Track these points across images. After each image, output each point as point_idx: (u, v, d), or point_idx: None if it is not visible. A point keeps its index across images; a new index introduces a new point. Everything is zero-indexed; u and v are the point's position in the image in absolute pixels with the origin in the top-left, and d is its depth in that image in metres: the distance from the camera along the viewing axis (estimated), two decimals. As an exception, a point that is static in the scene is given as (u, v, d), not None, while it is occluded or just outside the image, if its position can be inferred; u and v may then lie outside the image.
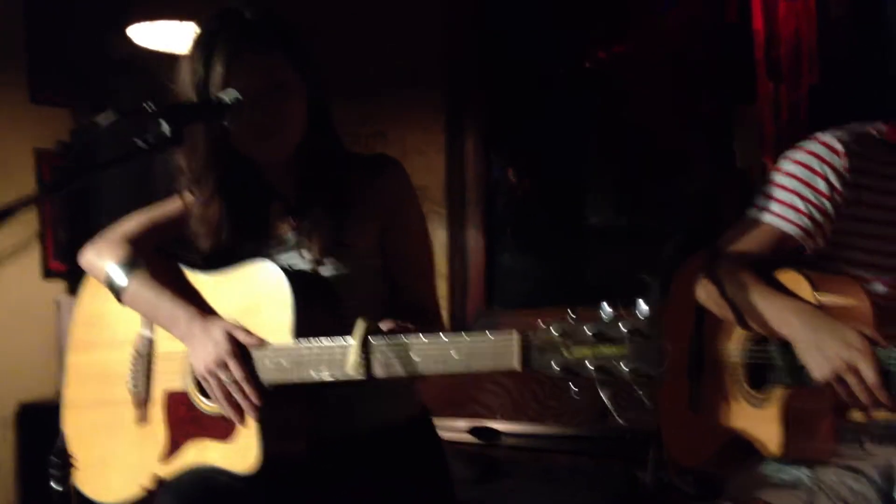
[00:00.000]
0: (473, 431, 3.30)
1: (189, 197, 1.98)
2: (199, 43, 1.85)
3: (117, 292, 1.98)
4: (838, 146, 1.96)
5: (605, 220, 3.97)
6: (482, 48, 3.96)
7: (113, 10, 3.74)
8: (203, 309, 1.91)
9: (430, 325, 1.86)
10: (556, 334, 1.50)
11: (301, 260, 1.92)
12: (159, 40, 3.50)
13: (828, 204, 1.96)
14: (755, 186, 2.20)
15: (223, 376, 1.78)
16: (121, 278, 1.97)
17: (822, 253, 2.00)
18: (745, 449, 2.00)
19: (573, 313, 1.51)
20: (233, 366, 1.77)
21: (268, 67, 1.85)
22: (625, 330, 1.45)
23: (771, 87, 3.36)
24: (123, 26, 3.48)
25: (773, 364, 1.95)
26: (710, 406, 2.10)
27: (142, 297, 1.95)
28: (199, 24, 1.91)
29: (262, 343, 1.79)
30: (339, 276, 1.90)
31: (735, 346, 2.07)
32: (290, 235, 1.96)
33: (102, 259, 2.01)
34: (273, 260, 1.88)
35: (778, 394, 1.93)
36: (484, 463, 3.22)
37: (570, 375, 1.49)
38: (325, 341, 1.72)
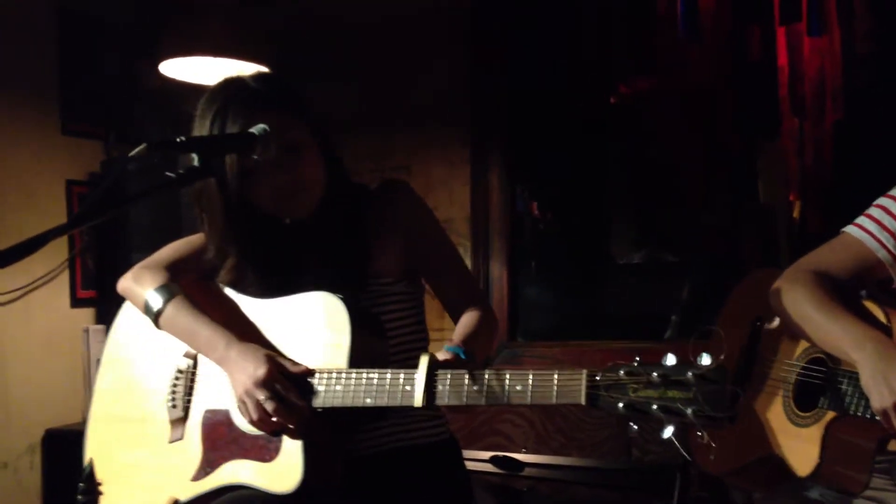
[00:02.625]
0: (495, 461, 3.30)
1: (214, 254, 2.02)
2: (211, 113, 1.89)
3: (154, 317, 2.00)
4: None
5: (628, 253, 3.97)
6: (507, 83, 3.99)
7: (144, 43, 3.80)
8: (248, 333, 1.94)
9: (485, 318, 1.96)
10: (624, 375, 1.53)
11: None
12: (190, 74, 3.56)
13: None
14: (778, 222, 2.20)
15: (261, 396, 1.79)
16: (157, 303, 1.99)
17: None
18: (775, 469, 2.00)
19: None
20: (281, 387, 1.78)
21: (283, 130, 1.88)
22: (692, 376, 1.48)
23: (795, 123, 3.37)
24: (154, 60, 3.53)
25: (827, 388, 1.94)
26: (749, 418, 2.09)
27: (179, 321, 1.97)
28: (206, 96, 1.95)
29: (304, 371, 1.81)
30: (372, 305, 1.95)
31: (791, 363, 2.07)
32: (314, 271, 1.99)
33: (140, 285, 2.04)
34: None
35: (826, 417, 1.92)
36: (507, 494, 3.21)
37: (634, 414, 1.52)
38: (386, 371, 1.75)
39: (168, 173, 1.69)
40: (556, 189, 4.13)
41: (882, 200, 1.99)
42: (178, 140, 1.71)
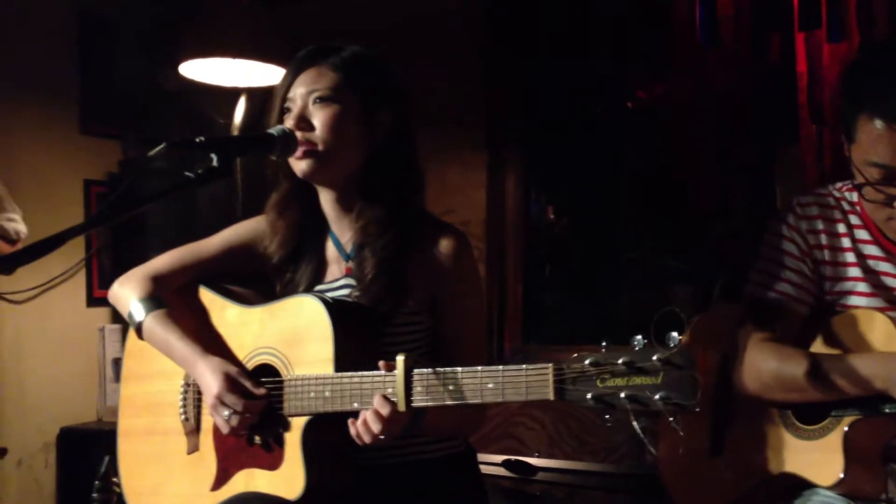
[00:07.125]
0: (507, 464, 3.29)
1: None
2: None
3: (136, 328, 2.02)
4: (798, 209, 2.04)
5: (643, 258, 3.96)
6: (524, 86, 3.99)
7: (164, 44, 3.82)
8: (226, 344, 1.96)
9: None
10: (590, 366, 1.51)
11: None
12: (209, 75, 3.57)
13: (802, 265, 2.01)
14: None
15: (224, 413, 1.83)
16: (139, 314, 2.01)
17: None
18: (783, 489, 1.98)
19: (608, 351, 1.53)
20: (230, 400, 1.82)
21: (319, 77, 1.92)
22: (657, 361, 1.46)
23: (814, 129, 3.35)
24: (174, 61, 3.55)
25: None
26: (740, 446, 2.06)
27: (155, 334, 1.99)
28: None
29: (263, 394, 1.84)
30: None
31: None
32: (340, 281, 1.98)
33: (126, 294, 2.05)
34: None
35: (843, 423, 1.90)
36: (520, 498, 3.21)
37: (602, 406, 1.50)
38: (368, 373, 1.73)
39: (187, 173, 1.70)
40: (572, 194, 4.13)
41: (763, 250, 2.07)
42: (197, 140, 1.72)
